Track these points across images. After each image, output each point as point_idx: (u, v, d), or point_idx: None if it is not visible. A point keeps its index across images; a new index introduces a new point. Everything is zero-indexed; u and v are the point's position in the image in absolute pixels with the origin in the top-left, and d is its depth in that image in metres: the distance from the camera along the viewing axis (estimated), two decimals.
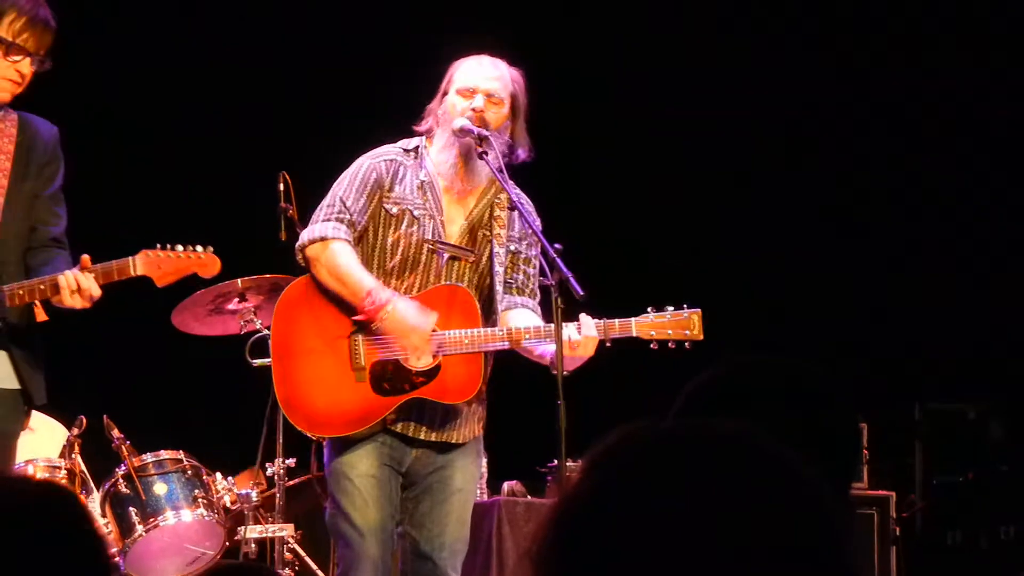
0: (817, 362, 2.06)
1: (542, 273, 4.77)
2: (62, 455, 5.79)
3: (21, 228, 4.56)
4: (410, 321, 4.61)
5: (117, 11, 7.86)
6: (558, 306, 4.51)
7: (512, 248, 4.84)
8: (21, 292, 4.44)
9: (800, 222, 8.14)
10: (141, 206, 7.66)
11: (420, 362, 4.63)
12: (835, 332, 7.92)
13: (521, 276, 4.87)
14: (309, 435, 4.88)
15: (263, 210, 6.12)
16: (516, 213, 4.83)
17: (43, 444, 6.18)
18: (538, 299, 4.89)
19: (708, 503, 1.25)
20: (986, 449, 7.46)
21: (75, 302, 4.41)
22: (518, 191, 4.84)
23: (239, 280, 5.96)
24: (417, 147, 4.84)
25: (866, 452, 7.07)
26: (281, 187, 6.08)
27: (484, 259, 4.79)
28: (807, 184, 8.18)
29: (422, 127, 4.87)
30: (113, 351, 7.48)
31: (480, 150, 4.67)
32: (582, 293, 4.45)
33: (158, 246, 4.61)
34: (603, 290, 4.53)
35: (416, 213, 4.74)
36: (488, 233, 4.80)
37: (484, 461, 6.64)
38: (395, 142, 4.89)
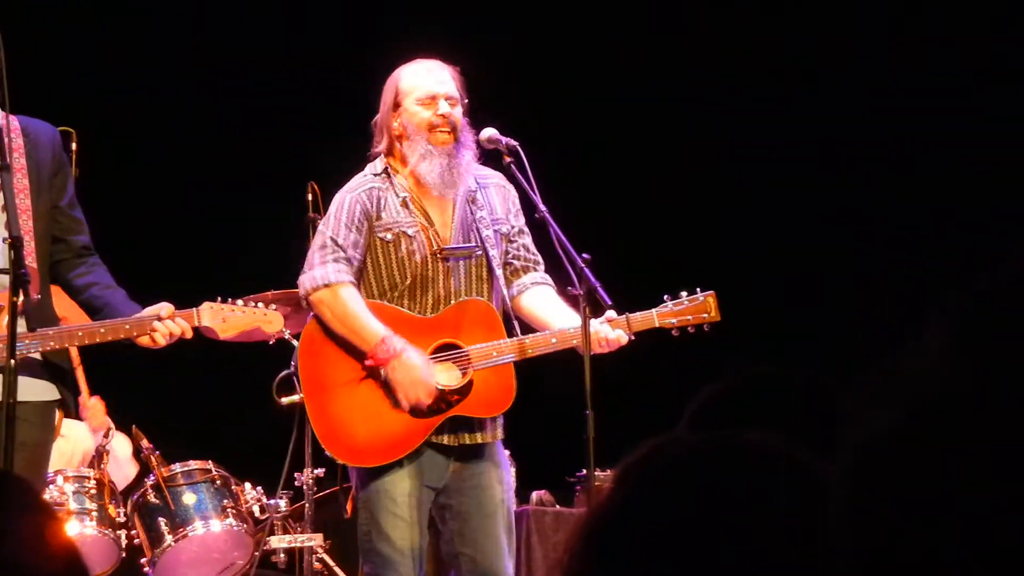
0: (830, 370, 2.06)
1: (571, 283, 4.76)
2: (91, 465, 5.81)
3: (46, 247, 4.33)
4: (416, 374, 4.61)
5: (145, 22, 7.89)
6: (586, 316, 4.52)
7: (501, 229, 4.86)
8: (103, 331, 4.32)
9: (831, 218, 8.09)
10: (171, 217, 7.69)
11: (452, 381, 4.65)
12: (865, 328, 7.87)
13: (521, 251, 4.92)
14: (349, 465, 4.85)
15: (293, 220, 6.14)
16: (491, 191, 4.87)
17: (73, 453, 6.20)
18: (542, 267, 4.94)
19: (739, 515, 1.24)
20: None
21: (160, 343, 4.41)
22: (497, 174, 4.90)
23: (269, 293, 5.96)
24: (385, 169, 4.82)
25: None
26: (310, 197, 6.12)
27: (482, 251, 4.81)
28: (832, 179, 8.14)
29: (380, 147, 4.84)
30: (142, 361, 7.48)
31: (509, 160, 4.71)
32: (610, 303, 4.47)
33: (219, 299, 4.56)
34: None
35: (410, 232, 4.73)
36: (475, 224, 4.81)
37: (512, 470, 6.64)
38: (362, 171, 4.87)
